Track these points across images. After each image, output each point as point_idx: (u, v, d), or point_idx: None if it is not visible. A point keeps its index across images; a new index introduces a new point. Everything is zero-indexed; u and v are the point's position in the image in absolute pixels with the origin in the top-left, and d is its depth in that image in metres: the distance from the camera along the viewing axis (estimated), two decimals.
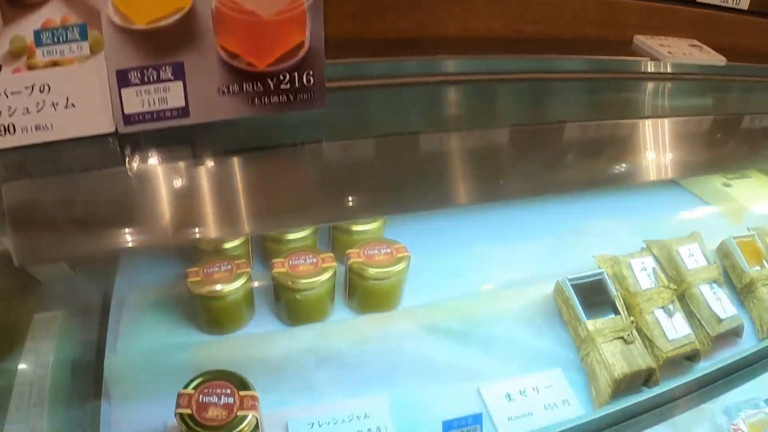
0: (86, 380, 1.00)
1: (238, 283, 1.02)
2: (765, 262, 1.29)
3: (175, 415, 0.82)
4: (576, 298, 1.10)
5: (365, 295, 1.10)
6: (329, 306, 1.11)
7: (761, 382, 1.62)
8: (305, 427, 0.97)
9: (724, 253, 1.31)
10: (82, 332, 1.09)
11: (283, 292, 1.05)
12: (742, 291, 1.28)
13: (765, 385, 1.62)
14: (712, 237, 1.33)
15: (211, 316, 1.05)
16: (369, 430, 0.97)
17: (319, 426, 0.97)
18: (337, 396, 1.01)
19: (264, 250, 1.17)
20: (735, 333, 1.21)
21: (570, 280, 1.11)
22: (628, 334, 1.08)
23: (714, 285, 1.21)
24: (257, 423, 0.84)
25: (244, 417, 0.82)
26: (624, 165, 0.89)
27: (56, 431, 0.91)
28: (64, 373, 0.98)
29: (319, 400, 1.01)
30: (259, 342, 1.04)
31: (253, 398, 0.85)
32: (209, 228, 0.71)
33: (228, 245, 1.11)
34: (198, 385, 0.85)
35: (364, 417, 0.99)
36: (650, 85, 1.10)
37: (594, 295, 1.12)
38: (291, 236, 1.13)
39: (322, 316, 1.10)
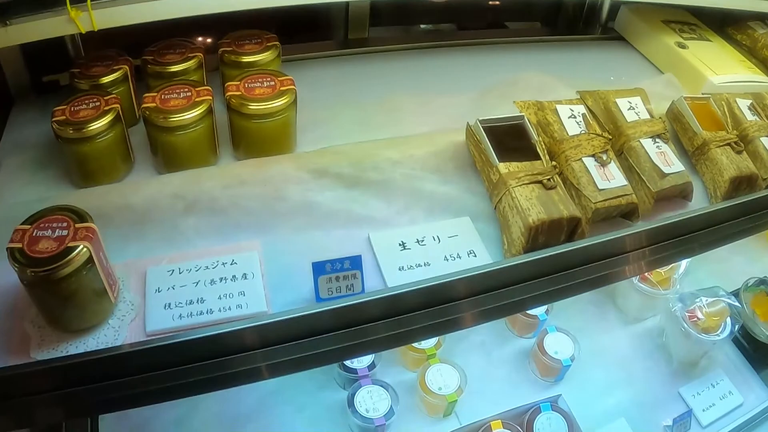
0: None
1: (103, 121, 0.81)
2: (724, 126, 1.02)
3: (6, 250, 0.65)
4: (488, 141, 0.85)
5: (248, 138, 0.87)
6: (210, 154, 0.88)
7: (721, 273, 1.37)
8: (164, 274, 0.76)
9: (674, 115, 1.05)
10: None
11: (155, 134, 0.84)
12: (693, 154, 1.02)
13: (726, 277, 1.36)
14: (661, 103, 1.06)
15: (80, 164, 0.84)
16: (234, 276, 0.76)
17: (180, 273, 0.76)
18: (205, 243, 0.81)
19: (148, 88, 0.94)
20: (683, 194, 0.96)
21: (483, 121, 0.87)
22: (549, 179, 0.83)
23: (658, 140, 0.95)
24: (90, 255, 0.65)
25: (75, 248, 0.65)
26: None
27: None
28: None
29: (184, 247, 0.80)
30: (124, 189, 0.84)
31: (89, 230, 0.67)
32: None
33: (106, 79, 0.89)
34: (35, 220, 0.68)
35: (231, 263, 0.77)
36: None
37: (511, 139, 0.88)
38: (174, 68, 0.92)
39: (202, 164, 0.86)
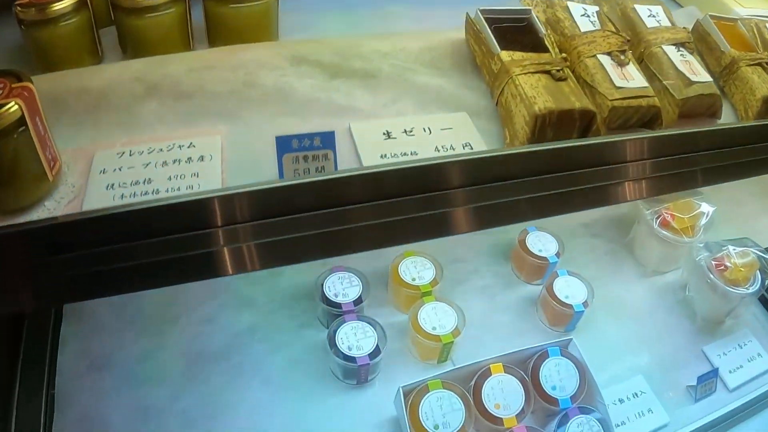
0: None
1: (66, 2, 0.69)
2: (754, 48, 0.87)
3: None
4: (489, 30, 0.71)
5: (224, 29, 0.75)
6: (182, 47, 0.76)
7: (748, 231, 1.20)
8: (113, 156, 0.64)
9: (699, 34, 0.91)
10: None
11: (123, 19, 0.73)
12: (721, 75, 0.87)
13: (753, 235, 1.19)
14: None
15: (42, 52, 0.73)
16: (189, 158, 0.63)
17: (130, 155, 0.64)
18: (165, 129, 0.68)
19: None
20: (710, 110, 0.81)
21: (484, 11, 0.73)
22: (558, 70, 0.68)
23: (682, 48, 0.80)
24: (23, 115, 0.56)
25: (4, 104, 0.56)
26: None
27: None
28: None
29: (142, 133, 0.68)
30: (82, 74, 0.72)
31: (24, 88, 0.57)
32: None
33: None
34: None
35: (189, 146, 0.64)
36: None
37: (515, 34, 0.74)
38: None
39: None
